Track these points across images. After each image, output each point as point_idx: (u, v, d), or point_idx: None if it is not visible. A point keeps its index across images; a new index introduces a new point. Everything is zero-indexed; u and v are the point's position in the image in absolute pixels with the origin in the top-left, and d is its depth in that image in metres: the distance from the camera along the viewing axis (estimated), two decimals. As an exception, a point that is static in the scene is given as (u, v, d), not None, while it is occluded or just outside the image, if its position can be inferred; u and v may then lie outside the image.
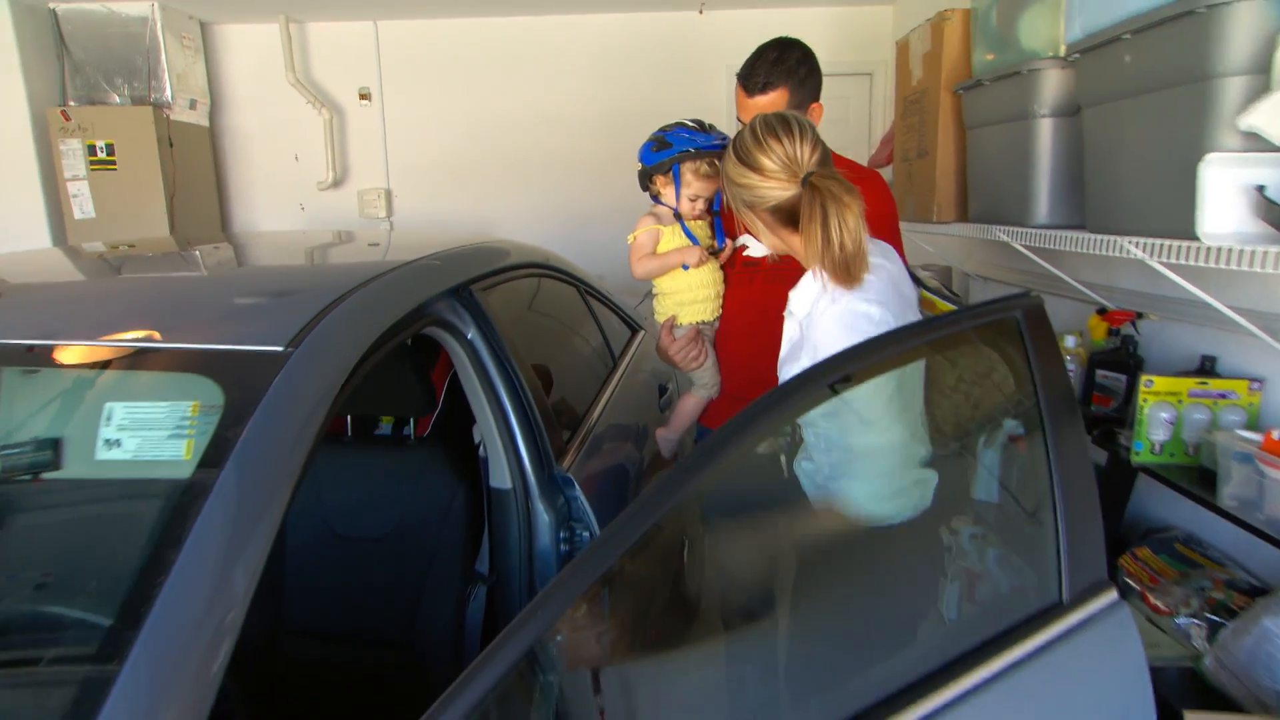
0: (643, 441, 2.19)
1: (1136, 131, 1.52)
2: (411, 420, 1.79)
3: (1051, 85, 1.88)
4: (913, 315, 1.36)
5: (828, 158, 1.30)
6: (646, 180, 1.79)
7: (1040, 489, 1.17)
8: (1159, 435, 1.75)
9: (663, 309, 1.87)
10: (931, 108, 2.53)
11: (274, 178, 4.77)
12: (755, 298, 1.81)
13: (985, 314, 1.11)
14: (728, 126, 1.73)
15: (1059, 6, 1.80)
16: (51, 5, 4.03)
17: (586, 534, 1.63)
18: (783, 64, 1.64)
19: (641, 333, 2.70)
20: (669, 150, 1.69)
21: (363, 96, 4.67)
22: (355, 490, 1.75)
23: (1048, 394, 1.11)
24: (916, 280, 1.53)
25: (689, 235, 1.81)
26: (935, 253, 3.36)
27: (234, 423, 1.00)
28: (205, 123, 4.52)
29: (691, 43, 4.60)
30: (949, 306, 1.46)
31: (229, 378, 1.07)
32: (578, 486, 1.62)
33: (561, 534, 1.60)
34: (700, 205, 1.77)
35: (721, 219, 1.83)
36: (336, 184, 4.74)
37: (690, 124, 1.72)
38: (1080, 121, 1.88)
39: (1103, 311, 2.26)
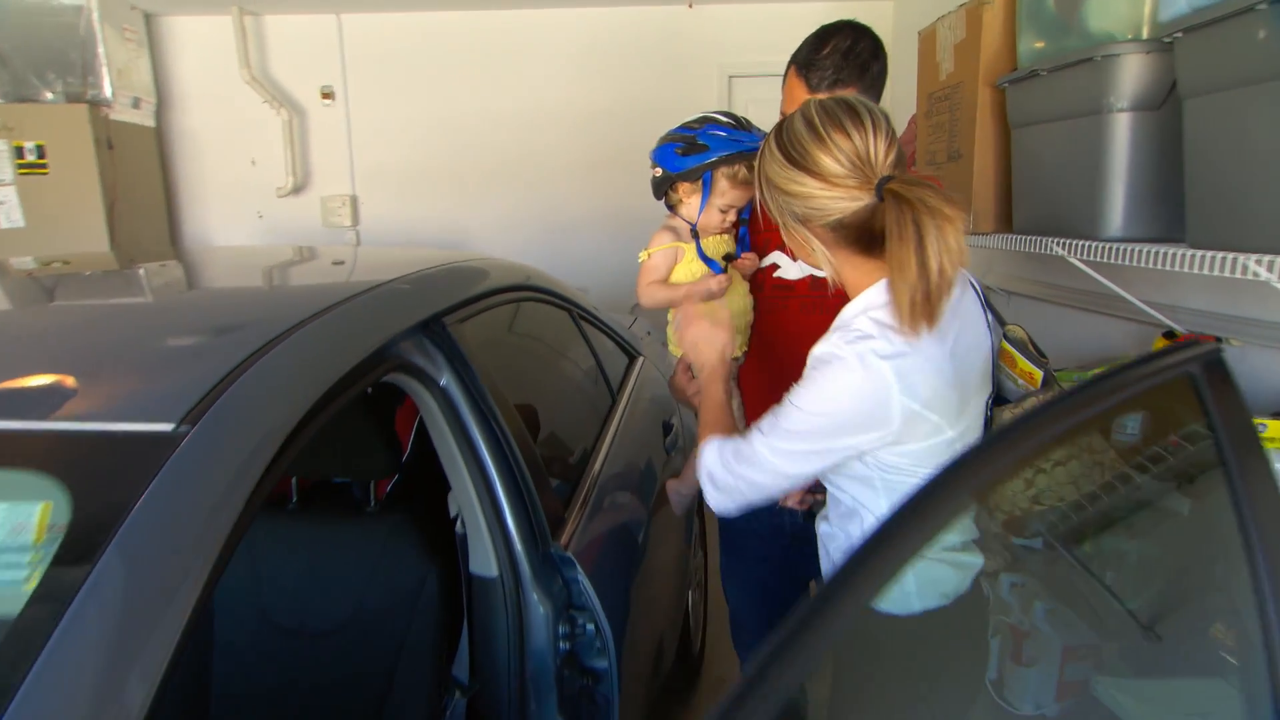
0: (649, 491, 1.87)
1: (1271, 126, 1.23)
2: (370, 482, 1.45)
3: (1132, 73, 1.59)
4: (976, 378, 1.06)
5: (904, 158, 1.00)
6: (666, 188, 1.47)
7: (1236, 597, 0.88)
8: None
9: (674, 346, 1.55)
10: (966, 104, 2.24)
11: (229, 184, 4.39)
12: (788, 328, 1.50)
13: (1154, 373, 0.80)
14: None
15: (1147, -21, 1.52)
16: (-25, -7, 3.63)
17: (591, 626, 1.30)
18: (856, 57, 1.32)
19: (641, 359, 2.38)
20: (704, 154, 1.37)
21: (325, 95, 4.30)
22: (300, 572, 1.40)
23: (1244, 476, 0.81)
24: (998, 318, 1.22)
25: (707, 261, 1.49)
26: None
27: (86, 547, 0.67)
28: (151, 123, 4.13)
29: (680, 39, 4.30)
30: (1030, 368, 1.17)
31: (87, 475, 0.73)
32: (579, 567, 1.29)
33: (561, 628, 1.27)
34: (732, 217, 1.46)
35: (749, 228, 1.53)
36: (297, 190, 4.37)
37: (723, 119, 1.40)
38: (1165, 116, 1.60)
39: (1171, 335, 1.97)
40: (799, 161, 0.98)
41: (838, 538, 1.18)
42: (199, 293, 1.34)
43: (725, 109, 1.47)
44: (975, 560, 1.13)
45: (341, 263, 1.69)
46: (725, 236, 1.52)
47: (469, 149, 4.37)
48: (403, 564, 1.38)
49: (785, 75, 1.42)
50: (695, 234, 1.48)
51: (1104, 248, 1.71)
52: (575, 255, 4.43)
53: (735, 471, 1.08)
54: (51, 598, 0.62)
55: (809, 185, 0.98)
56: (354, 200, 4.42)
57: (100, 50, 3.70)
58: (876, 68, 1.36)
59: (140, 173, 4.05)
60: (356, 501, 1.47)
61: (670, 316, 1.58)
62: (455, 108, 4.33)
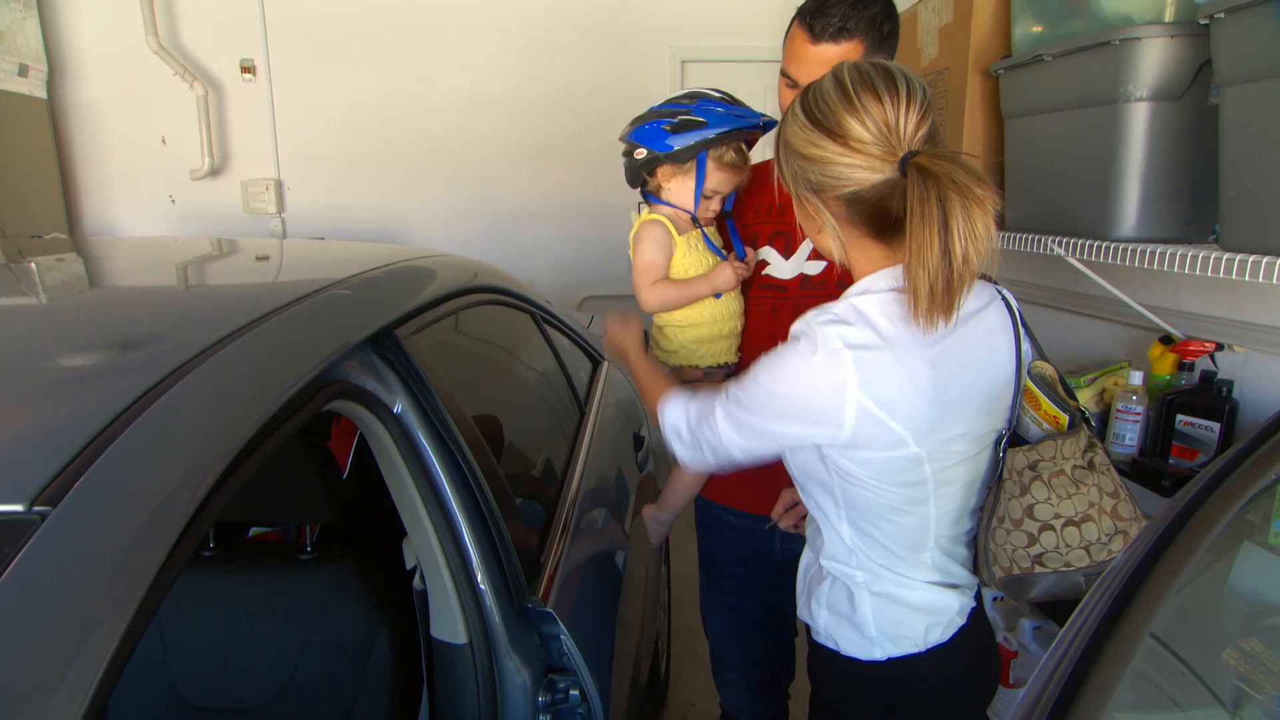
0: (625, 514, 1.67)
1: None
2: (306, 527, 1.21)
3: (1154, 60, 1.47)
4: (974, 403, 0.95)
5: (938, 133, 0.91)
6: (645, 172, 1.31)
7: None
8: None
9: (673, 348, 1.37)
10: (954, 92, 2.11)
11: (136, 164, 3.97)
12: (778, 333, 1.35)
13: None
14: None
15: (1177, -44, 1.39)
16: None
17: (576, 692, 1.10)
18: (865, 9, 1.18)
19: (605, 364, 2.17)
20: (700, 130, 1.21)
21: (245, 70, 3.92)
22: (219, 636, 1.16)
23: None
24: (1036, 348, 1.08)
25: (715, 249, 1.33)
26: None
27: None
28: (41, 94, 3.68)
29: (630, 21, 4.08)
30: (1055, 411, 1.03)
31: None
32: (560, 623, 1.09)
33: (540, 698, 1.07)
34: (716, 205, 1.32)
35: (734, 221, 1.38)
36: (214, 173, 3.99)
37: (715, 94, 1.25)
38: (1186, 106, 1.48)
39: (1168, 340, 1.88)
40: (822, 122, 0.89)
41: (811, 568, 1.10)
42: (85, 306, 1.06)
43: (664, 97, 1.31)
44: (948, 602, 1.02)
45: (266, 259, 1.43)
46: (711, 229, 1.37)
47: (404, 133, 4.06)
48: (346, 622, 1.15)
49: (788, 30, 1.28)
50: (697, 222, 1.32)
51: (1114, 248, 1.59)
52: (518, 247, 4.17)
53: (697, 432, 1.03)
54: None
55: (829, 149, 0.88)
56: (279, 185, 4.06)
57: (-21, 10, 3.26)
58: (887, 27, 1.22)
59: (29, 149, 3.61)
60: (288, 547, 1.23)
61: (656, 322, 1.40)
62: (390, 88, 4.01)
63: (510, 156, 4.15)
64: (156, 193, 4.01)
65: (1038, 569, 1.00)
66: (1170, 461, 1.76)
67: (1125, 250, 1.57)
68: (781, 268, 1.36)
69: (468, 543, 1.03)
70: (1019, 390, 1.00)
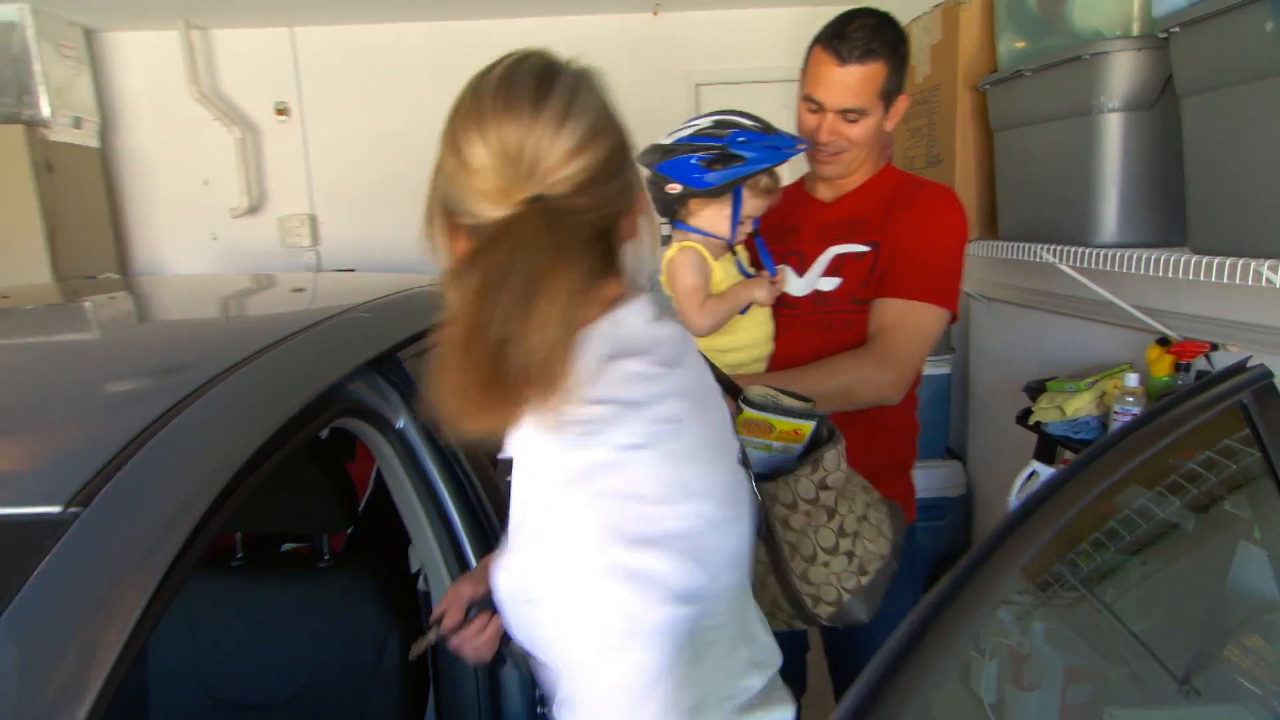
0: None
1: (1278, 123, 1.15)
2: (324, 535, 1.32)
3: (1123, 71, 1.52)
4: (692, 461, 0.69)
5: (624, 176, 0.72)
6: (677, 204, 1.34)
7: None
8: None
9: None
10: (945, 107, 2.17)
11: (180, 205, 4.20)
12: (794, 352, 1.40)
13: (1203, 407, 0.71)
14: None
15: (1137, -27, 1.44)
16: (-100, 10, 3.43)
17: (572, 687, 1.18)
18: (885, 34, 1.26)
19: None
20: (740, 167, 1.25)
21: (280, 112, 4.14)
22: (246, 638, 1.27)
23: None
24: (730, 388, 0.99)
25: (745, 273, 1.39)
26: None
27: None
28: (94, 144, 3.94)
29: (646, 47, 4.21)
30: (793, 425, 0.94)
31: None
32: (556, 621, 1.17)
33: (538, 692, 1.15)
34: (749, 227, 1.37)
35: (763, 239, 1.43)
36: (253, 210, 4.19)
37: (748, 123, 1.28)
38: (1158, 116, 1.53)
39: (1164, 342, 1.90)
40: (455, 135, 0.72)
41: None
42: (123, 336, 1.20)
43: (680, 121, 1.36)
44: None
45: (301, 290, 1.56)
46: (738, 246, 1.42)
47: (430, 165, 4.22)
48: (361, 626, 1.25)
49: (806, 58, 1.35)
50: (731, 248, 1.38)
51: (1098, 254, 1.64)
52: (545, 270, 4.31)
53: None
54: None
55: (451, 163, 0.72)
56: (313, 220, 4.25)
57: (36, 68, 3.51)
58: (903, 52, 1.31)
59: (84, 196, 3.86)
60: (309, 556, 1.34)
61: (699, 345, 1.44)
62: (416, 122, 4.16)
63: (532, 184, 4.29)
64: (200, 231, 4.23)
65: (863, 580, 0.94)
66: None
67: (1105, 255, 1.61)
68: (795, 285, 1.41)
69: (466, 546, 1.12)
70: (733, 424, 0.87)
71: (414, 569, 1.23)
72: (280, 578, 1.31)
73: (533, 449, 0.68)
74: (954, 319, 1.39)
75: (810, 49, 1.34)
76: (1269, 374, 0.74)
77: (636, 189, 0.74)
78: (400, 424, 1.12)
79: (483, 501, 1.17)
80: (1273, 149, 1.18)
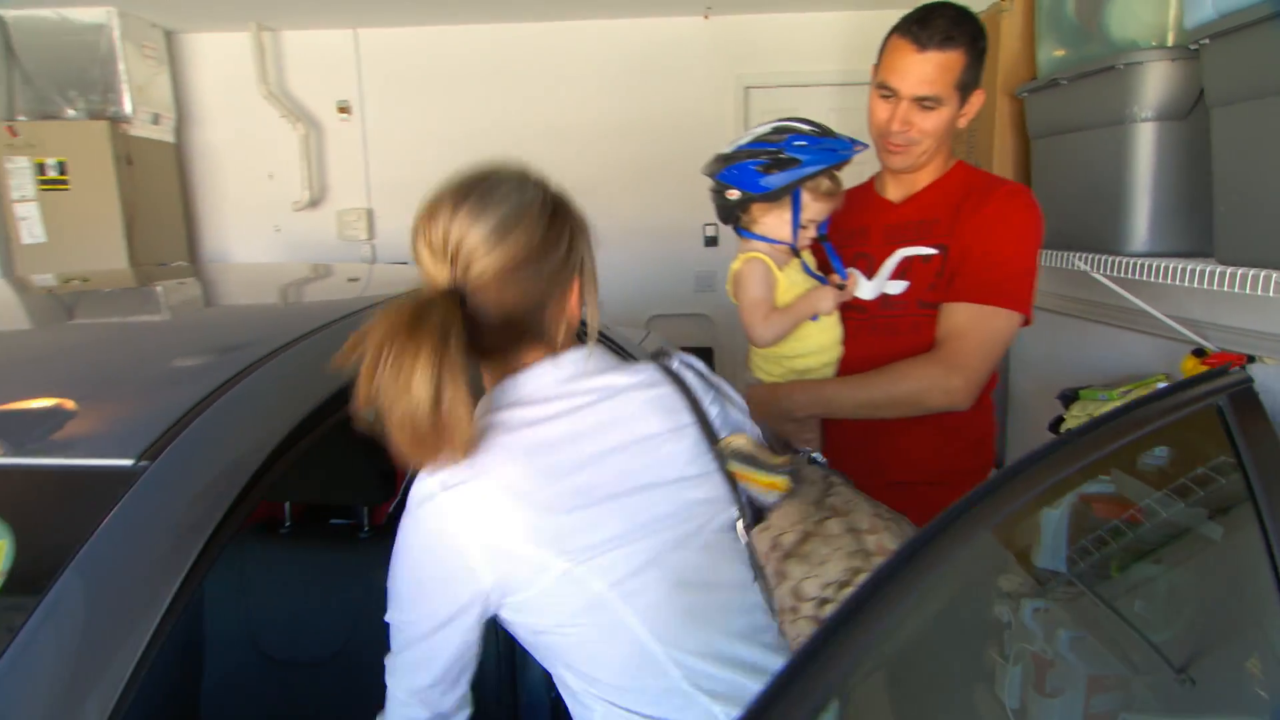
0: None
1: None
2: (365, 509, 1.41)
3: (1157, 81, 1.52)
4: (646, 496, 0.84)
5: (546, 265, 0.85)
6: (739, 210, 1.35)
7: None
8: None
9: (778, 375, 1.42)
10: (985, 114, 2.17)
11: (246, 198, 4.41)
12: (862, 355, 1.39)
13: (1178, 407, 0.74)
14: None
15: (1171, -17, 1.45)
16: (0, 12, 3.68)
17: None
18: (965, 25, 1.25)
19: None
20: (796, 170, 1.26)
21: (342, 110, 4.32)
22: (291, 601, 1.37)
23: (1271, 499, 0.75)
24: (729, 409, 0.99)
25: (814, 275, 1.38)
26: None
27: (31, 584, 0.64)
28: (170, 139, 4.17)
29: (697, 50, 4.26)
30: (770, 479, 0.89)
31: (35, 514, 0.70)
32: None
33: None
34: (812, 232, 1.36)
35: (831, 243, 1.42)
36: (313, 204, 4.38)
37: (804, 127, 1.29)
38: (1193, 126, 1.53)
39: (1200, 353, 1.89)
40: (422, 216, 0.89)
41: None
42: (190, 315, 1.32)
43: (728, 122, 1.39)
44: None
45: (356, 279, 1.67)
46: (805, 251, 1.41)
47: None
48: (395, 592, 1.34)
49: (882, 49, 1.34)
50: (796, 252, 1.37)
51: (1129, 263, 1.64)
52: (591, 268, 4.40)
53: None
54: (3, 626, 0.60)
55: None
56: (369, 214, 4.42)
57: (121, 67, 3.73)
58: (982, 45, 1.29)
59: (159, 188, 4.09)
60: (351, 529, 1.44)
61: (765, 350, 1.43)
62: (470, 121, 4.32)
63: (580, 183, 4.33)
64: (264, 223, 4.44)
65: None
66: (1198, 473, 1.77)
67: (1136, 264, 1.61)
68: (864, 288, 1.39)
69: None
70: (719, 465, 0.90)
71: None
72: (324, 547, 1.41)
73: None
74: (1027, 321, 1.35)
75: (887, 39, 1.33)
76: (1248, 380, 0.77)
77: (569, 275, 0.88)
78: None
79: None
80: (1296, 162, 1.19)
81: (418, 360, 0.74)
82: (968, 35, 1.25)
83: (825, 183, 1.30)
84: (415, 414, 0.75)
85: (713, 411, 0.93)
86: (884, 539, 0.85)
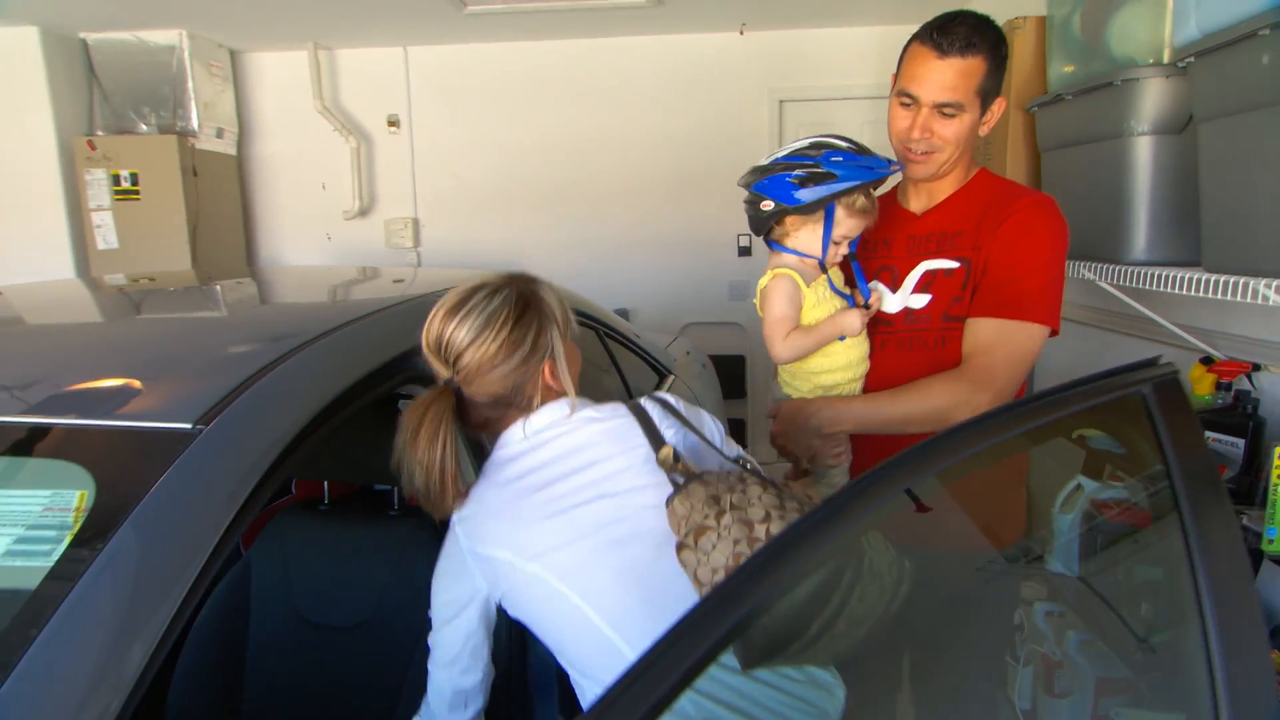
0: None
1: (1276, 151, 1.22)
2: (395, 489, 1.55)
3: (1152, 97, 1.58)
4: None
5: (520, 356, 1.08)
6: (772, 223, 1.36)
7: (1181, 610, 0.87)
8: (1298, 521, 1.42)
9: (805, 390, 1.42)
10: (998, 128, 2.23)
11: (301, 207, 4.66)
12: (887, 370, 1.39)
13: (1100, 392, 0.82)
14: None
15: (1163, 3, 1.51)
16: (82, 35, 3.98)
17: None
18: (986, 32, 1.26)
19: (671, 378, 2.43)
20: (831, 184, 1.26)
21: (391, 124, 4.53)
22: (327, 570, 1.51)
23: (1192, 495, 0.82)
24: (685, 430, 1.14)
25: (840, 294, 1.39)
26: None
27: (104, 525, 0.77)
28: (232, 151, 4.43)
29: (732, 64, 4.37)
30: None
31: (110, 465, 0.84)
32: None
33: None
34: (844, 249, 1.37)
35: (859, 261, 1.43)
36: (363, 213, 4.61)
37: (841, 144, 1.30)
38: (1188, 139, 1.58)
39: (1208, 361, 1.92)
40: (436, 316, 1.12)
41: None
42: (243, 308, 1.48)
43: (763, 136, 1.43)
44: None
45: (400, 281, 1.82)
46: (835, 268, 1.41)
47: (525, 174, 4.53)
48: (420, 565, 1.46)
49: (902, 57, 1.33)
50: (824, 267, 1.36)
51: (1127, 271, 1.70)
52: (625, 277, 4.52)
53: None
54: (68, 570, 0.73)
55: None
56: (415, 223, 4.63)
57: (190, 85, 4.00)
58: (1003, 52, 1.28)
59: (221, 197, 4.35)
60: (382, 506, 1.57)
61: (780, 374, 1.46)
62: (512, 135, 4.50)
63: (617, 194, 4.52)
64: (316, 231, 4.68)
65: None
66: (1201, 479, 1.80)
67: (1135, 273, 1.67)
68: (889, 302, 1.39)
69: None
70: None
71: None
72: (358, 523, 1.55)
73: None
74: (1054, 332, 1.34)
75: (907, 46, 1.31)
76: (1175, 371, 0.84)
77: (539, 361, 1.09)
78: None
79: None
80: (1271, 175, 1.24)
81: (425, 441, 1.02)
82: (989, 42, 1.25)
83: (860, 199, 1.29)
84: (426, 479, 1.03)
85: (669, 434, 1.10)
86: (773, 527, 0.91)
